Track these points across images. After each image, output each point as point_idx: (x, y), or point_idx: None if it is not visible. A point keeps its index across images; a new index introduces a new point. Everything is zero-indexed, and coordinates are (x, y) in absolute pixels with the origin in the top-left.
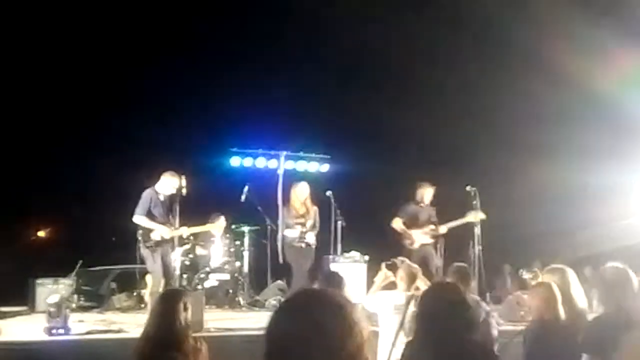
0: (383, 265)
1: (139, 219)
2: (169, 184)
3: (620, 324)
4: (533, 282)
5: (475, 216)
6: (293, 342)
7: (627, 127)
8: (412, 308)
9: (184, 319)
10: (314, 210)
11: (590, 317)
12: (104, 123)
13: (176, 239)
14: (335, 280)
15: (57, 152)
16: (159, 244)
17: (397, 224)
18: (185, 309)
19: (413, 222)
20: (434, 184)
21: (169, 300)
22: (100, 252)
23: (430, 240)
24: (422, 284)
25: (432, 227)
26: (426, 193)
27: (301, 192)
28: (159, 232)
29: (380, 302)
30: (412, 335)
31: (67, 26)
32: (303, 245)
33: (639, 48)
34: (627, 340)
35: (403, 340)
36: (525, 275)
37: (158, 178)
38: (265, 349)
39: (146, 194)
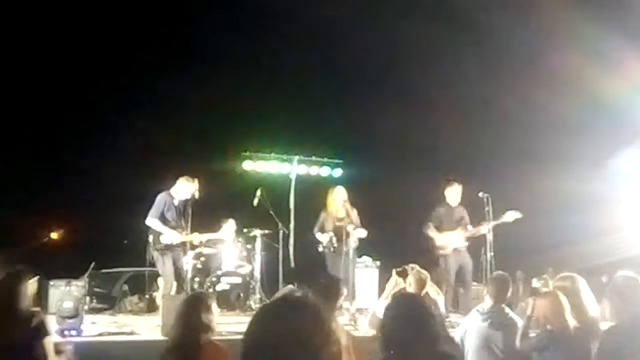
0: (394, 271)
1: (151, 221)
2: (185, 188)
3: (636, 333)
4: (543, 289)
5: (511, 216)
6: (269, 347)
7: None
8: None
9: (208, 323)
10: (354, 213)
11: (603, 325)
12: (117, 125)
13: (188, 242)
14: (333, 285)
15: (71, 154)
16: (169, 247)
17: (429, 229)
18: (208, 311)
19: (445, 225)
20: (461, 182)
21: (192, 305)
22: (112, 254)
23: (465, 243)
24: (433, 290)
25: (469, 228)
26: (454, 192)
27: (338, 196)
28: (169, 236)
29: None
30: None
31: (84, 28)
32: (332, 249)
33: None
34: None
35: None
36: (536, 283)
37: (173, 182)
38: (242, 351)
39: (160, 197)
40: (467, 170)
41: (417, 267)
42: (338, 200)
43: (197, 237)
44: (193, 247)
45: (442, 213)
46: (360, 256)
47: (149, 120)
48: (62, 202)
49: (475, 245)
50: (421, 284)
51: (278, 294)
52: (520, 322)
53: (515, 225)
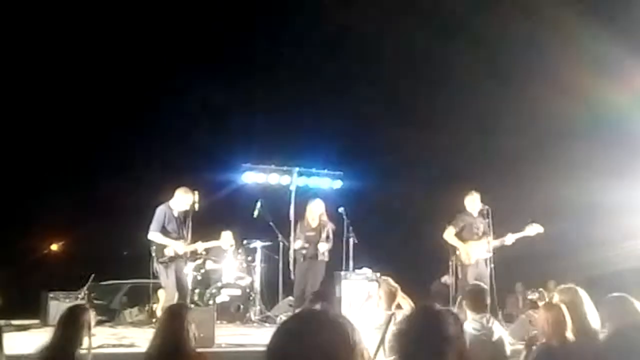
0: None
1: (154, 235)
2: (183, 200)
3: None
4: (540, 303)
5: (534, 229)
6: None
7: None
8: (392, 326)
9: (190, 334)
10: (329, 226)
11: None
12: (117, 138)
13: (188, 254)
14: (327, 297)
15: (71, 167)
16: (172, 259)
17: (449, 236)
18: (189, 323)
19: (469, 234)
20: (478, 191)
21: (175, 315)
22: (112, 266)
23: (488, 255)
24: (405, 302)
25: (492, 239)
26: (474, 201)
27: (315, 208)
28: (173, 247)
29: (362, 320)
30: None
31: (84, 43)
32: (306, 254)
33: None
34: None
35: (383, 358)
36: (531, 295)
37: (172, 194)
38: None
39: (160, 210)
40: (469, 181)
41: (389, 280)
42: (315, 212)
43: (199, 246)
44: (194, 257)
45: (466, 221)
46: (360, 268)
47: (148, 133)
48: (62, 214)
49: None
50: (391, 296)
51: (302, 310)
52: (504, 334)
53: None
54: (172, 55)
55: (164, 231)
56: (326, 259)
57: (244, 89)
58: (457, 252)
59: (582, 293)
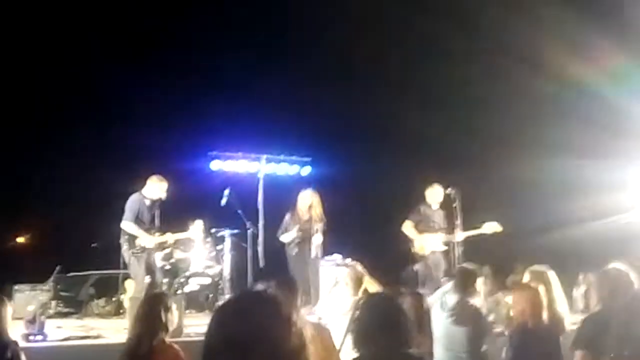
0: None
1: (127, 225)
2: (157, 188)
3: (612, 322)
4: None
5: (490, 227)
6: (230, 343)
7: (614, 122)
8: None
9: (167, 322)
10: (321, 222)
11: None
12: (83, 128)
13: (158, 244)
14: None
15: (36, 159)
16: (144, 249)
17: (407, 228)
18: (167, 311)
19: (426, 226)
20: (443, 185)
21: (152, 304)
22: (78, 257)
23: (443, 247)
24: (373, 287)
25: (447, 233)
26: (435, 194)
27: (304, 200)
28: (144, 239)
29: (329, 306)
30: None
31: (55, 31)
32: (295, 251)
33: (628, 44)
34: None
35: (350, 344)
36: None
37: (143, 183)
38: (204, 351)
39: (134, 199)
40: (438, 165)
41: (356, 265)
42: (304, 204)
43: (169, 237)
44: (162, 247)
45: (424, 213)
46: (330, 254)
47: (117, 122)
48: (28, 206)
49: None
50: (357, 282)
51: (238, 292)
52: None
53: (486, 218)
54: (139, 43)
55: (137, 221)
56: (319, 255)
57: (208, 75)
58: (415, 244)
59: (553, 276)
